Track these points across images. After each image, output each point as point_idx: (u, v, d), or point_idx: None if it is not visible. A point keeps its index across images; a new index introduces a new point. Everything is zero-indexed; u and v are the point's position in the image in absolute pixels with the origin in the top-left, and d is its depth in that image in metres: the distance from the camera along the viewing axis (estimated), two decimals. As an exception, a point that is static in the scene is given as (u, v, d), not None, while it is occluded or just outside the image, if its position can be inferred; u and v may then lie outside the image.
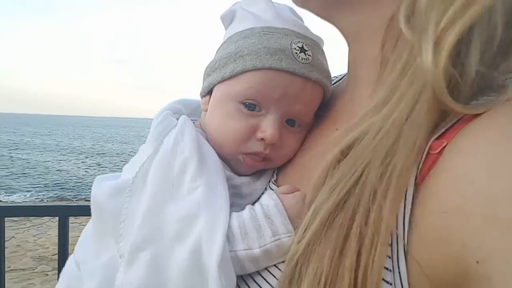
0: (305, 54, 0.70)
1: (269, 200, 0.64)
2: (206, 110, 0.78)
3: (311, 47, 0.72)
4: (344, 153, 0.53)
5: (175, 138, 0.69)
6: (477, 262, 0.39)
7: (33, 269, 6.75)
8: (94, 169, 24.86)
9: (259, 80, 0.69)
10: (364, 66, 0.66)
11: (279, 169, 0.77)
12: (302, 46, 0.70)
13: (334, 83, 0.85)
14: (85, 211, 2.04)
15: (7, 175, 21.65)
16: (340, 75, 0.88)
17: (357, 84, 0.69)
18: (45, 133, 59.68)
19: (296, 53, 0.69)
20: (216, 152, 0.72)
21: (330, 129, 0.71)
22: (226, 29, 0.80)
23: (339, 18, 0.65)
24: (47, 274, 6.49)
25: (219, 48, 0.78)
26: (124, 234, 0.64)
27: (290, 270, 0.52)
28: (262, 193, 0.73)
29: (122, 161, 28.30)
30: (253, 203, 0.70)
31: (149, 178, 0.66)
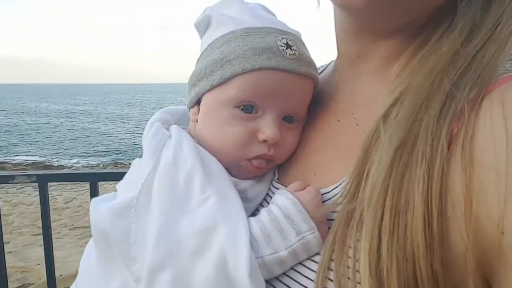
0: (291, 49, 0.69)
1: (285, 200, 0.63)
2: (196, 121, 0.76)
3: (295, 42, 0.71)
4: (386, 116, 0.55)
5: (174, 150, 0.68)
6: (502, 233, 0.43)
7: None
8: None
9: (250, 82, 0.68)
10: (369, 61, 0.68)
11: (280, 167, 0.76)
12: (287, 42, 0.70)
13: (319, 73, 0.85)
14: (112, 177, 2.23)
15: (65, 142, 23.10)
16: (319, 67, 0.88)
17: (357, 76, 0.71)
18: (98, 102, 62.31)
19: (283, 49, 0.68)
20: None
21: (331, 121, 0.73)
22: (202, 36, 0.79)
23: (395, 16, 0.61)
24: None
25: (200, 57, 0.76)
26: (137, 257, 0.61)
27: (346, 215, 0.54)
28: (267, 194, 0.74)
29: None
30: (259, 205, 0.72)
31: (153, 194, 0.64)
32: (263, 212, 0.64)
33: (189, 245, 0.59)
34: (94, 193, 2.14)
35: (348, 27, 0.69)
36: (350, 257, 0.52)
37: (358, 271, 0.50)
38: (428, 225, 0.46)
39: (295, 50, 0.70)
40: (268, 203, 0.69)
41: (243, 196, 0.68)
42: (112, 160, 17.96)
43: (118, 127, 30.29)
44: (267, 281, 0.60)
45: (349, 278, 0.51)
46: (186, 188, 0.64)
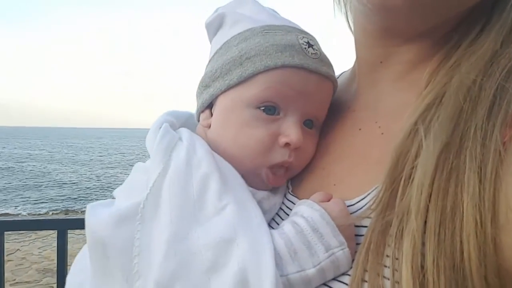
0: (313, 49, 0.66)
1: (312, 211, 0.56)
2: (208, 126, 0.71)
3: (314, 41, 0.68)
4: (423, 116, 0.52)
5: (187, 152, 0.61)
6: None
7: (38, 282, 6.75)
8: (101, 180, 24.94)
9: (273, 80, 0.64)
10: (393, 66, 0.65)
11: (293, 178, 0.71)
12: (308, 41, 0.67)
13: None
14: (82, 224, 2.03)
15: (13, 187, 21.78)
16: None
17: (379, 82, 0.68)
18: (52, 145, 60.15)
19: (305, 48, 0.65)
20: None
21: (351, 130, 0.69)
22: (212, 36, 0.75)
23: (430, 16, 0.58)
24: (52, 287, 6.47)
25: (213, 57, 0.72)
26: (140, 271, 0.53)
27: (381, 223, 0.49)
28: (280, 207, 0.68)
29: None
30: (272, 218, 0.66)
31: (163, 200, 0.57)
32: (287, 225, 0.57)
33: (203, 259, 0.52)
34: (62, 242, 1.98)
35: (372, 30, 0.65)
36: (386, 277, 0.47)
37: (398, 283, 0.45)
38: (481, 232, 0.42)
39: (317, 50, 0.67)
40: (281, 216, 0.63)
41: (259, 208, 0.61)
42: (64, 207, 17.01)
43: (72, 172, 29.06)
44: None
45: None
46: (201, 194, 0.57)
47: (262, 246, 0.52)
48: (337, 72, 0.86)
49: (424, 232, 0.44)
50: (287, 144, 0.64)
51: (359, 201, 0.57)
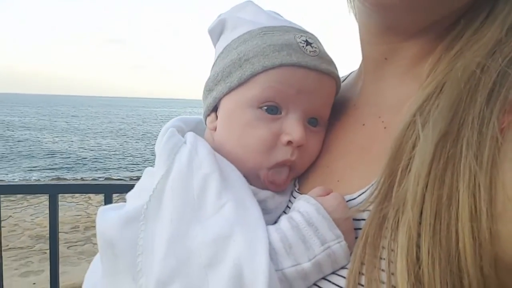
0: (311, 46, 0.67)
1: (308, 205, 0.57)
2: (214, 129, 0.72)
3: (314, 40, 0.69)
4: (422, 107, 0.51)
5: (189, 154, 0.63)
6: None
7: (31, 248, 6.83)
8: (92, 149, 24.84)
9: (272, 80, 0.65)
10: (398, 61, 0.66)
11: (300, 176, 0.72)
12: (306, 39, 0.67)
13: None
14: (74, 189, 2.08)
15: (5, 155, 21.64)
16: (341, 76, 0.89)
17: (384, 78, 0.68)
18: (43, 113, 59.34)
19: (303, 46, 0.66)
20: None
21: (355, 126, 0.70)
22: (216, 42, 0.77)
23: (430, 12, 0.58)
24: (45, 253, 6.55)
25: (216, 61, 0.74)
26: (143, 269, 0.55)
27: (378, 215, 0.49)
28: (287, 206, 0.69)
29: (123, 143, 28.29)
30: (278, 218, 0.65)
31: (164, 201, 0.59)
32: (283, 220, 0.58)
33: (201, 256, 0.53)
34: (53, 207, 2.00)
35: (376, 28, 0.66)
36: (383, 270, 0.47)
37: (393, 275, 0.45)
38: (477, 222, 0.41)
39: (315, 48, 0.67)
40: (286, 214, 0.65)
41: (263, 207, 0.62)
42: (55, 176, 17.02)
43: (64, 141, 28.86)
44: None
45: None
46: (201, 194, 0.59)
47: (258, 242, 0.53)
48: (346, 72, 0.89)
49: (420, 223, 0.44)
50: (289, 142, 0.65)
51: (360, 195, 0.58)
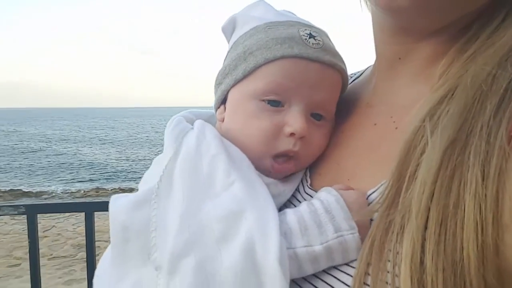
0: (314, 39, 0.67)
1: (328, 195, 0.59)
2: (223, 120, 0.75)
3: (319, 33, 0.70)
4: (432, 111, 0.51)
5: (197, 137, 0.66)
6: None
7: (74, 256, 7.07)
8: (131, 159, 25.53)
9: (274, 71, 0.67)
10: (412, 62, 0.65)
11: (313, 172, 0.74)
12: (310, 33, 0.68)
13: (354, 79, 0.86)
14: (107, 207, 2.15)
15: (45, 167, 22.59)
16: (354, 73, 0.88)
17: (397, 78, 0.68)
18: (81, 126, 61.64)
19: (306, 39, 0.67)
20: None
21: (367, 125, 0.70)
22: (229, 40, 0.79)
23: (442, 14, 0.58)
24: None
25: (226, 56, 0.77)
26: (157, 244, 0.57)
27: (385, 220, 0.50)
28: (297, 199, 0.70)
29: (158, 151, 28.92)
30: (281, 207, 0.68)
31: (175, 180, 0.62)
32: (303, 205, 0.61)
33: (214, 230, 0.56)
34: (89, 224, 2.08)
35: (390, 28, 0.66)
36: (389, 272, 0.47)
37: (397, 277, 0.45)
38: (482, 232, 0.41)
39: (319, 40, 0.68)
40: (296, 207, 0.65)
41: None
42: (95, 187, 17.59)
43: (102, 152, 29.83)
44: (298, 284, 0.57)
45: None
46: (210, 173, 0.61)
47: (269, 218, 0.56)
48: (361, 67, 0.88)
49: (425, 230, 0.44)
50: (292, 134, 0.66)
51: (369, 195, 0.59)
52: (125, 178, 19.36)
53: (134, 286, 0.60)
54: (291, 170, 0.71)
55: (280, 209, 0.64)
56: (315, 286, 0.57)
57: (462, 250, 0.41)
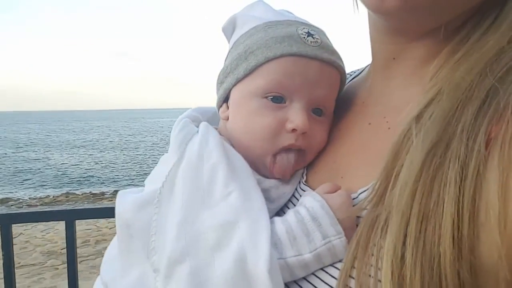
0: (312, 37, 0.70)
1: (314, 201, 0.61)
2: (227, 119, 0.77)
3: (317, 32, 0.72)
4: (419, 117, 0.52)
5: (200, 144, 0.67)
6: None
7: (43, 264, 6.85)
8: (102, 163, 24.98)
9: (274, 70, 0.69)
10: (406, 62, 0.67)
11: (308, 169, 0.75)
12: (308, 31, 0.71)
13: (353, 78, 0.87)
14: (91, 214, 2.14)
15: (14, 173, 21.81)
16: (354, 71, 0.89)
17: (391, 78, 0.69)
18: (51, 130, 59.91)
19: (304, 37, 0.69)
20: (244, 157, 0.70)
21: (362, 124, 0.71)
22: (229, 39, 0.81)
23: (433, 15, 0.58)
24: (57, 268, 6.58)
25: (226, 56, 0.79)
26: (156, 248, 0.60)
27: (372, 216, 0.52)
28: (294, 196, 0.72)
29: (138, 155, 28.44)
30: (285, 207, 0.70)
31: (176, 187, 0.64)
32: (290, 213, 0.62)
33: (209, 239, 0.58)
34: (70, 233, 2.02)
35: (383, 29, 0.67)
36: (372, 265, 0.49)
37: (380, 270, 0.48)
38: (458, 230, 0.43)
39: (317, 38, 0.70)
40: (294, 204, 0.68)
41: (266, 196, 0.67)
42: (65, 192, 17.10)
43: (72, 156, 29.05)
44: (285, 284, 0.58)
45: (369, 287, 0.49)
46: (209, 182, 0.63)
47: (260, 229, 0.57)
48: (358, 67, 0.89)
49: (407, 227, 0.46)
50: (294, 130, 0.68)
51: (360, 194, 0.60)
52: (97, 182, 18.93)
53: (140, 279, 0.64)
54: (294, 168, 0.73)
55: (282, 209, 0.69)
56: (301, 287, 0.60)
57: (439, 246, 0.43)
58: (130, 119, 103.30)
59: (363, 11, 0.73)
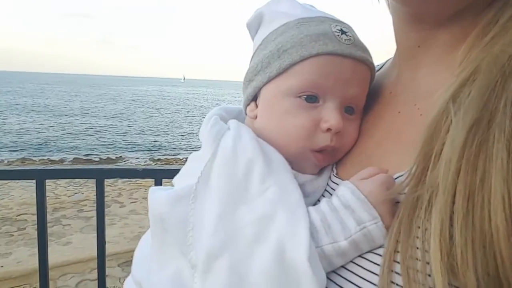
0: (346, 35, 0.69)
1: (344, 188, 0.62)
2: (255, 117, 0.76)
3: (349, 29, 0.72)
4: (455, 97, 0.52)
5: (234, 139, 0.67)
6: None
7: (-3, 230, 6.65)
8: (56, 129, 24.11)
9: (309, 69, 0.68)
10: (431, 49, 0.67)
11: (338, 161, 0.75)
12: (341, 28, 0.70)
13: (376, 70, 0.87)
14: (61, 174, 2.12)
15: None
16: (377, 64, 0.88)
17: (418, 67, 0.70)
18: (6, 91, 56.85)
19: (338, 35, 0.69)
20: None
21: (391, 114, 0.71)
22: (254, 35, 0.80)
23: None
24: (12, 235, 6.41)
25: (254, 53, 0.77)
26: (193, 243, 0.60)
27: (413, 197, 0.51)
28: (325, 190, 0.73)
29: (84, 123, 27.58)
30: (317, 201, 0.70)
31: (212, 182, 0.64)
32: (323, 202, 0.63)
33: (247, 233, 0.58)
34: (41, 192, 1.99)
35: (405, 16, 0.68)
36: (418, 248, 0.48)
37: (427, 252, 0.47)
38: (509, 204, 0.42)
39: (350, 36, 0.70)
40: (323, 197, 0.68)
41: (302, 191, 0.66)
42: (21, 157, 16.48)
43: (29, 120, 27.83)
44: (327, 276, 0.58)
45: (418, 271, 0.47)
46: (246, 177, 0.63)
47: (299, 221, 0.58)
48: (382, 60, 0.90)
49: (453, 205, 0.45)
50: (328, 129, 0.68)
51: (397, 178, 0.60)
52: (55, 148, 18.30)
53: (176, 275, 0.63)
54: (330, 162, 0.74)
55: (315, 204, 0.67)
56: (340, 275, 0.59)
57: (490, 221, 0.42)
58: (92, 84, 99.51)
59: (382, 2, 0.76)
